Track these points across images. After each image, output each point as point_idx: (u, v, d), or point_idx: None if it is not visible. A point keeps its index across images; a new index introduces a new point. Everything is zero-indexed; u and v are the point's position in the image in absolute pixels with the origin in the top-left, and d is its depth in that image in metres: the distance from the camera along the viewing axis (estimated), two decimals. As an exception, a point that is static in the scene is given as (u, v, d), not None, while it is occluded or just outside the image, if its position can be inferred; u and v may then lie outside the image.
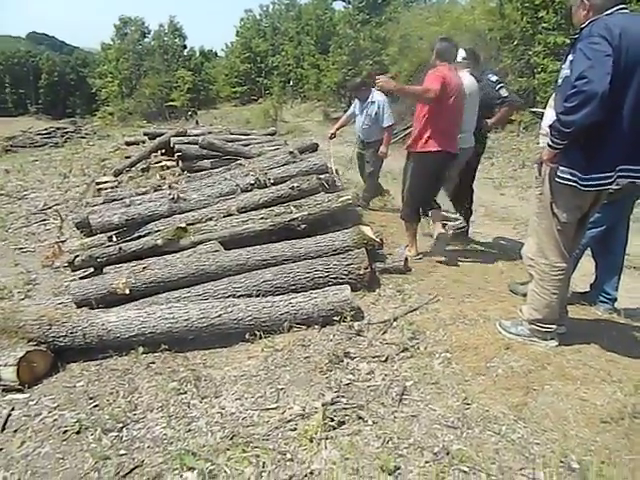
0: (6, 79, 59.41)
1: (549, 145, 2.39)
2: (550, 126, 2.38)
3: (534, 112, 3.37)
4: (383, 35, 22.90)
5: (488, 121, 4.78)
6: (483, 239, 5.39)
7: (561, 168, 2.40)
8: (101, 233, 4.13)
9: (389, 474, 1.78)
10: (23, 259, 4.87)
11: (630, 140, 2.29)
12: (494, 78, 4.73)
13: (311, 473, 1.83)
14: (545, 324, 2.63)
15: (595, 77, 2.12)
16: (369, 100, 5.70)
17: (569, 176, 2.37)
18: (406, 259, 3.85)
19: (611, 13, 2.27)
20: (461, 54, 4.52)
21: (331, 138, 6.28)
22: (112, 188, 6.19)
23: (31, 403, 2.41)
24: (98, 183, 6.67)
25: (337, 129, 6.31)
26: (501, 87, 4.66)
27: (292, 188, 4.30)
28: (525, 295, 3.14)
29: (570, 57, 2.36)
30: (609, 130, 2.27)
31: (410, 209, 4.17)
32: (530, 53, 11.98)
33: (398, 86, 3.91)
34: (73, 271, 3.97)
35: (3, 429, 2.21)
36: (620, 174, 2.35)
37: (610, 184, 2.39)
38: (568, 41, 9.84)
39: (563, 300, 2.70)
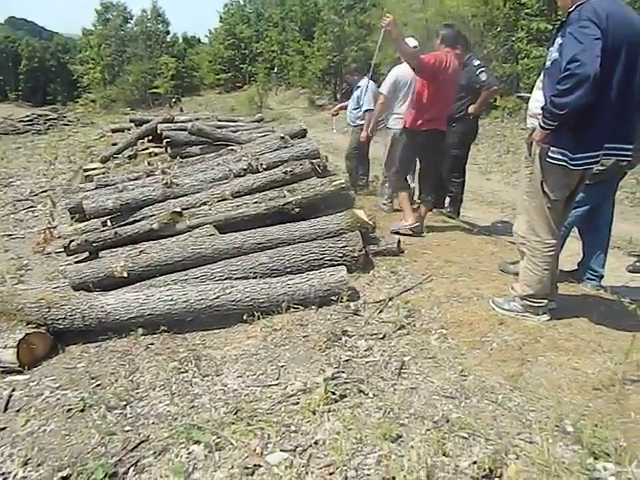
0: (-16, 65, 57.84)
1: (541, 126, 2.45)
2: (542, 108, 2.44)
3: (521, 97, 3.45)
4: (368, 21, 22.82)
5: (471, 107, 4.85)
6: (472, 222, 5.47)
7: (552, 148, 2.46)
8: (95, 218, 4.11)
9: (392, 442, 1.84)
10: (13, 245, 4.83)
11: (616, 119, 2.37)
12: (476, 62, 4.79)
13: (316, 443, 1.87)
14: (537, 299, 2.71)
15: (587, 60, 2.18)
16: (356, 85, 6.02)
17: (559, 156, 2.43)
18: (399, 242, 3.90)
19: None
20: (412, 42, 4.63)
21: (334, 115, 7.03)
22: (100, 175, 6.12)
23: (32, 384, 2.42)
24: (86, 170, 6.60)
25: (340, 109, 6.77)
26: (481, 72, 4.73)
27: (285, 173, 4.32)
28: (516, 274, 3.23)
29: (559, 40, 2.41)
30: (597, 111, 2.34)
31: (400, 180, 4.42)
32: (513, 39, 12.08)
33: (398, 35, 3.90)
34: (68, 255, 3.96)
35: (5, 409, 2.22)
36: (606, 152, 2.44)
37: (597, 162, 2.49)
38: (550, 27, 10.06)
39: (554, 276, 2.78)
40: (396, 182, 4.53)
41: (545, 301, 2.73)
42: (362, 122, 5.84)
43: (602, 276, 3.55)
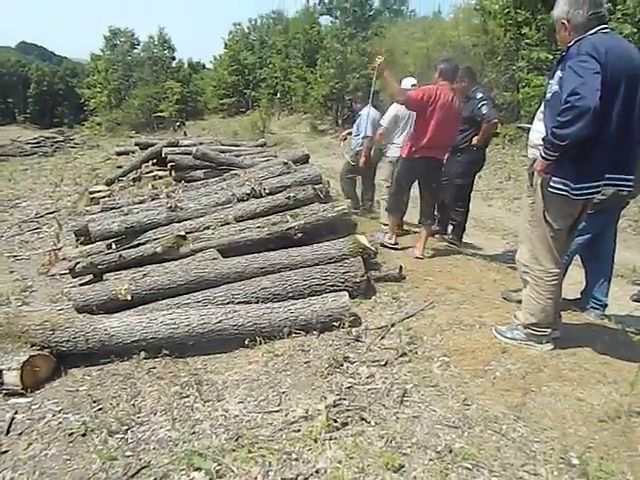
0: (-6, 88, 59.07)
1: (542, 157, 2.50)
2: (543, 139, 2.49)
3: (521, 127, 3.54)
4: (369, 49, 23.24)
5: (474, 139, 4.97)
6: (474, 249, 5.50)
7: (553, 178, 2.50)
8: (100, 241, 4.14)
9: (394, 472, 1.82)
10: (18, 266, 4.84)
11: (616, 151, 2.43)
12: (479, 95, 4.91)
13: (317, 472, 1.86)
14: (540, 328, 2.71)
15: (587, 93, 2.24)
16: (358, 113, 6.41)
17: (561, 186, 2.47)
18: (401, 267, 3.92)
19: (594, 33, 2.41)
20: (410, 82, 5.35)
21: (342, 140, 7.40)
22: (105, 197, 6.19)
23: (34, 407, 2.41)
24: (91, 192, 6.67)
25: (347, 133, 7.13)
26: (483, 105, 4.85)
27: (288, 198, 4.37)
28: (519, 302, 3.24)
29: (559, 74, 2.48)
30: (597, 142, 2.39)
31: (395, 204, 4.72)
32: (514, 68, 12.26)
33: (387, 75, 4.27)
34: (73, 277, 3.98)
35: (8, 432, 2.21)
36: (607, 182, 2.48)
37: (598, 192, 2.53)
38: (551, 57, 10.23)
39: (557, 305, 2.79)
40: (391, 204, 4.83)
41: (549, 330, 2.73)
42: (361, 148, 6.13)
43: (606, 305, 3.55)
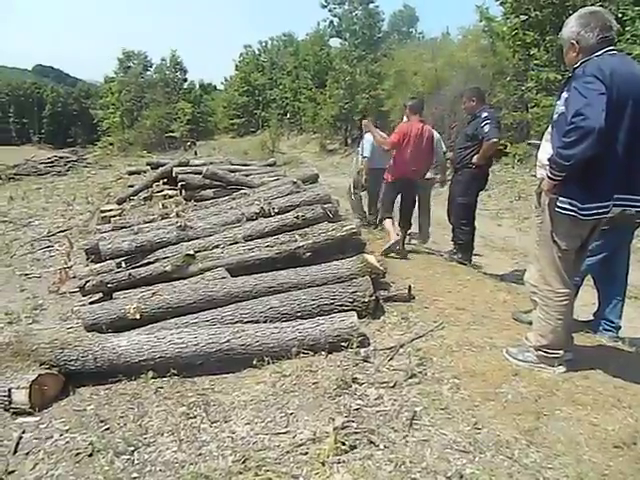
0: (11, 109, 60.63)
1: (549, 177, 2.49)
2: (549, 159, 2.49)
3: (531, 144, 3.57)
4: (378, 70, 23.56)
5: (475, 157, 4.99)
6: (484, 269, 5.46)
7: (560, 198, 2.49)
8: (110, 259, 4.18)
9: (404, 498, 1.79)
10: (29, 285, 4.89)
11: (623, 171, 2.42)
12: (484, 115, 4.95)
13: (325, 497, 1.83)
14: (552, 350, 2.67)
15: (591, 114, 2.25)
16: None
17: (568, 206, 2.46)
18: (410, 287, 3.90)
19: (601, 54, 2.43)
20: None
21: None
22: (116, 216, 6.26)
23: (42, 426, 2.41)
24: (102, 211, 6.75)
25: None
26: (486, 124, 4.88)
27: (297, 217, 4.39)
28: (530, 323, 3.19)
29: (565, 95, 2.49)
30: (605, 162, 2.38)
31: (384, 212, 5.66)
32: (523, 88, 12.33)
33: (372, 130, 5.87)
34: (83, 296, 4.00)
35: (15, 452, 2.21)
36: (615, 203, 2.47)
37: (607, 213, 2.50)
38: (560, 77, 10.27)
39: (569, 326, 2.74)
40: (382, 213, 5.80)
41: (561, 352, 2.68)
42: (362, 166, 6.77)
43: (619, 327, 3.49)
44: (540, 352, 2.70)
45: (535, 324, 2.77)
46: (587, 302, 3.72)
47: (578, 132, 2.28)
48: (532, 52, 11.60)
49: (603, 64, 2.35)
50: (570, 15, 2.64)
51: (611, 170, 2.40)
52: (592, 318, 3.63)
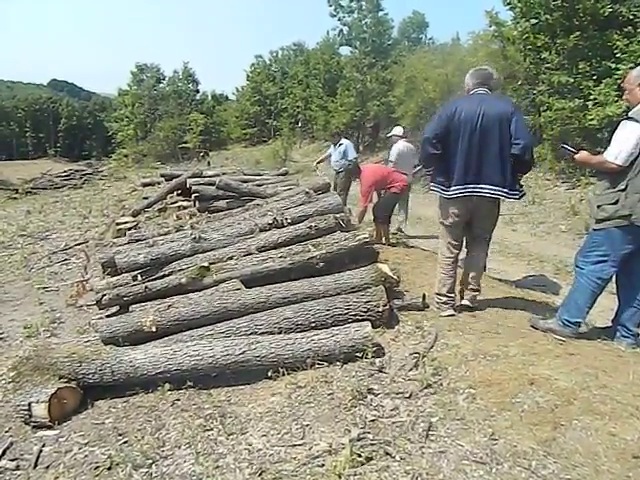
0: (27, 124, 61.93)
1: None
2: None
3: (564, 147, 3.49)
4: (389, 77, 23.56)
5: None
6: (498, 275, 5.41)
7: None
8: (126, 272, 4.24)
9: (421, 510, 1.78)
10: (47, 298, 4.98)
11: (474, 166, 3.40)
12: None
13: (342, 509, 1.83)
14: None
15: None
16: (339, 143, 8.38)
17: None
18: (424, 296, 3.88)
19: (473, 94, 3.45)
20: (396, 131, 7.76)
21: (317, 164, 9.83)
22: (131, 228, 6.35)
23: (61, 440, 2.45)
24: (118, 223, 6.85)
25: (320, 161, 9.67)
26: None
27: (310, 227, 4.41)
28: (545, 330, 3.16)
29: None
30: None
31: (382, 217, 6.12)
32: (535, 92, 12.23)
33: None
34: (100, 309, 4.06)
35: (35, 465, 2.24)
36: (466, 187, 3.43)
37: (464, 195, 3.43)
38: (572, 80, 10.17)
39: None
40: (384, 218, 6.27)
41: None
42: (345, 168, 7.46)
43: (637, 334, 3.43)
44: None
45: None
46: (605, 308, 3.67)
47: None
48: (543, 55, 11.51)
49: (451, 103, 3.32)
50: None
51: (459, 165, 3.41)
52: (610, 325, 3.58)
